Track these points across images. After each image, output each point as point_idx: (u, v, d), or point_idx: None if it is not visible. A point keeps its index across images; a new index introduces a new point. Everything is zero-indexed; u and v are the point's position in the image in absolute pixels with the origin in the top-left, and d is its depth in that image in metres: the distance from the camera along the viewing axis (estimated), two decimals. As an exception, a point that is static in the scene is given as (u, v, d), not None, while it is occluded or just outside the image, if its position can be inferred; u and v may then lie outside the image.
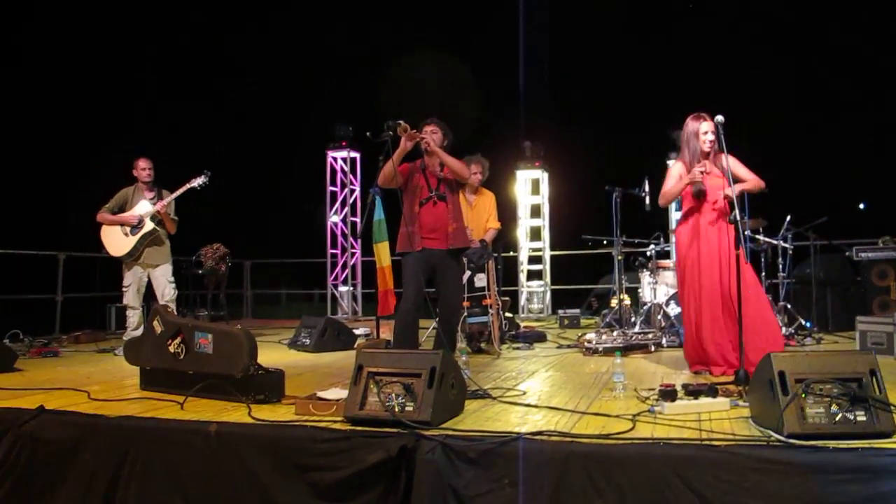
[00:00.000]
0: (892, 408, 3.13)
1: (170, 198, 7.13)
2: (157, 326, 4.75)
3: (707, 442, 3.10)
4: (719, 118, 4.68)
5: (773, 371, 3.19)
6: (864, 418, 3.07)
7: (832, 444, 2.97)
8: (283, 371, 4.43)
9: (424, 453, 3.22)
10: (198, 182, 7.15)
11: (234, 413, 3.93)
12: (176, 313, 6.95)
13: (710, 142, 5.07)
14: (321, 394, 3.95)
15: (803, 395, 3.13)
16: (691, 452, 3.01)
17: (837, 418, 3.08)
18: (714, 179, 5.07)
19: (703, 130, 5.09)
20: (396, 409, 3.46)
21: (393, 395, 3.52)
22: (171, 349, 4.59)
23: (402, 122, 5.23)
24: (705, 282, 5.04)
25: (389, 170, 5.35)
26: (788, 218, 7.77)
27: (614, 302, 8.19)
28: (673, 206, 11.19)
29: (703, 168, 4.99)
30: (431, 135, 5.48)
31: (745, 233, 5.32)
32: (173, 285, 7.29)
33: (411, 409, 3.45)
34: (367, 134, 5.27)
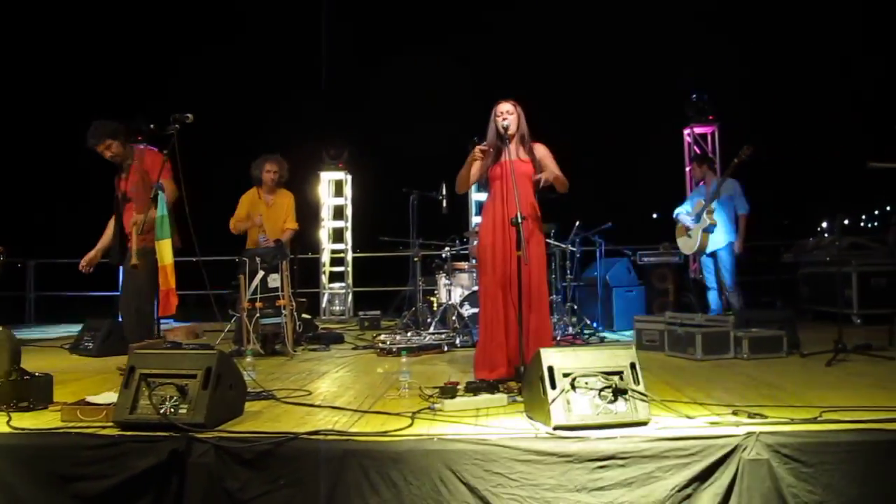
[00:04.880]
0: (648, 397, 3.35)
1: None
2: None
3: (480, 436, 3.19)
4: (505, 123, 4.79)
5: (542, 366, 3.34)
6: (623, 409, 3.28)
7: (595, 434, 3.14)
8: (51, 376, 4.14)
9: (196, 456, 3.13)
10: None
11: (-10, 422, 3.64)
12: None
13: (503, 122, 4.81)
14: (91, 399, 3.73)
15: (570, 389, 3.29)
16: (464, 447, 3.10)
17: (600, 409, 3.27)
18: (521, 165, 4.84)
19: (497, 112, 4.88)
20: (169, 412, 3.32)
21: (166, 397, 3.38)
22: (-82, 354, 4.17)
23: (189, 115, 5.04)
24: (495, 279, 4.86)
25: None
26: (577, 223, 8.16)
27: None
28: (473, 209, 11.58)
29: (482, 146, 4.80)
30: None
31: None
32: None
33: (185, 411, 3.32)
34: (151, 126, 5.05)
